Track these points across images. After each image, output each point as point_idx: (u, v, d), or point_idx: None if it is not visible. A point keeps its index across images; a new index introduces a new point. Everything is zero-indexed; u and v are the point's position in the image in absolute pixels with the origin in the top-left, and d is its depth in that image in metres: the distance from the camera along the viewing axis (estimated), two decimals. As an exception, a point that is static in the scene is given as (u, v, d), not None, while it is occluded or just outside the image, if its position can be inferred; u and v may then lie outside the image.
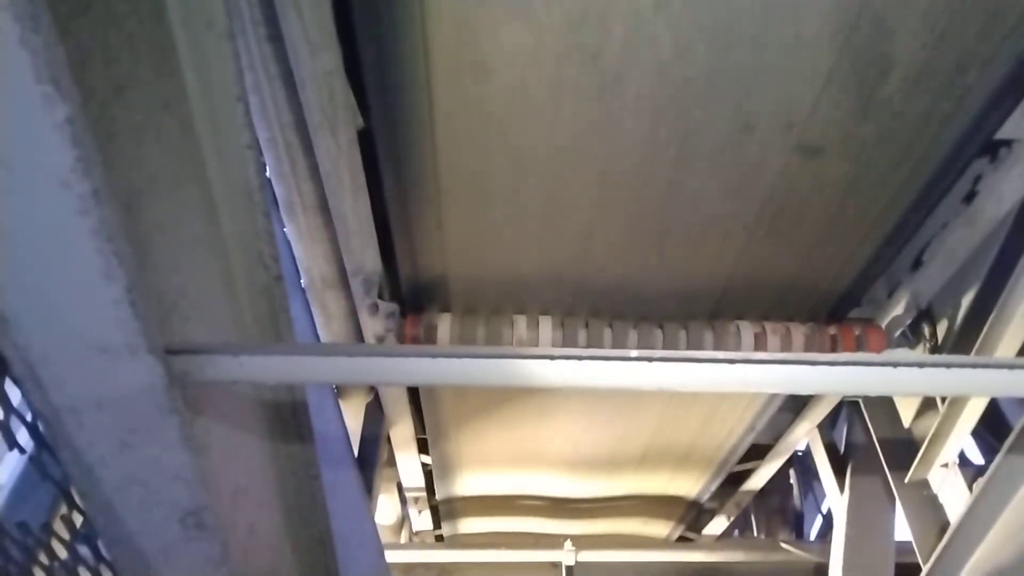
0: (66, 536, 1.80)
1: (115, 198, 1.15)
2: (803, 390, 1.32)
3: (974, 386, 1.34)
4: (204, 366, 1.29)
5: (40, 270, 1.13)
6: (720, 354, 1.29)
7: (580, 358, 1.30)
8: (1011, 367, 1.32)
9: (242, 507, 1.70)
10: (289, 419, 1.78)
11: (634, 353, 1.30)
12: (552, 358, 1.30)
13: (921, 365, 1.30)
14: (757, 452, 4.17)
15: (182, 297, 1.43)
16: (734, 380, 1.30)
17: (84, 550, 1.80)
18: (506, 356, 1.31)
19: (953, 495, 2.87)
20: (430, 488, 4.43)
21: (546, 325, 2.66)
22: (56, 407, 1.27)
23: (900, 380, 1.30)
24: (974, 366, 1.31)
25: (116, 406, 1.28)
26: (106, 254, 1.12)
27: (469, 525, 4.99)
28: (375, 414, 3.45)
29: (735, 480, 4.53)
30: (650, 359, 1.30)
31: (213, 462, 1.52)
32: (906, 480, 3.08)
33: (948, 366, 1.31)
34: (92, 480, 1.38)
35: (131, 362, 1.23)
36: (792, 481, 5.43)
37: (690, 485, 4.49)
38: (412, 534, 4.90)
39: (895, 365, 1.29)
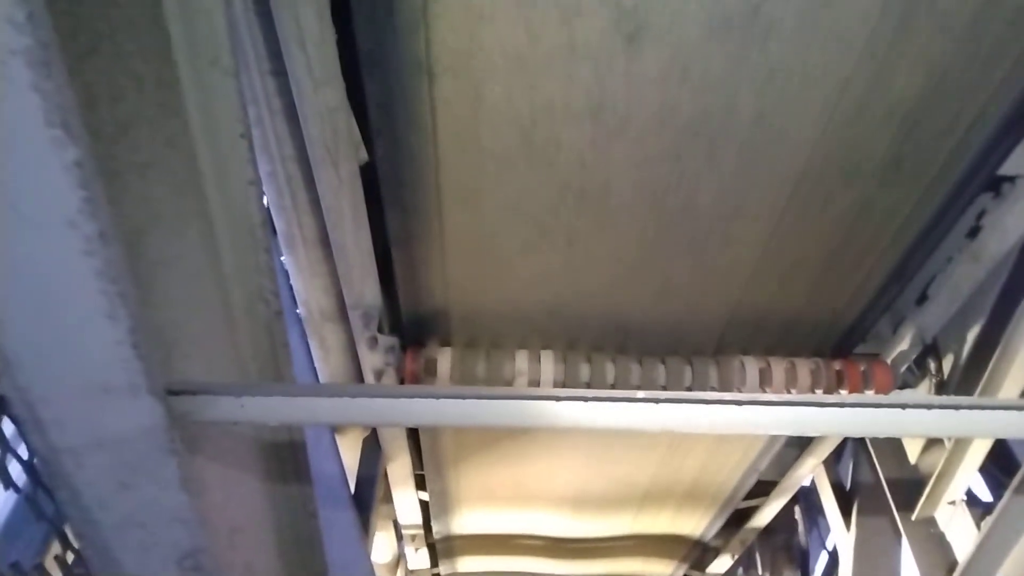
0: (60, 576, 1.77)
1: (119, 238, 1.15)
2: (811, 432, 1.31)
3: (983, 428, 1.32)
4: (205, 407, 1.27)
5: (44, 310, 1.12)
6: (727, 395, 1.28)
7: (586, 399, 1.29)
8: (1020, 408, 1.30)
9: (239, 547, 1.67)
10: (287, 459, 1.76)
11: (640, 394, 1.28)
12: (558, 399, 1.29)
13: (929, 407, 1.28)
14: (762, 489, 4.12)
15: (182, 333, 1.42)
16: (741, 421, 1.28)
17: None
18: (510, 397, 1.30)
19: (960, 533, 2.83)
20: (427, 525, 4.37)
21: (548, 360, 2.64)
22: (55, 447, 1.25)
23: (908, 422, 1.28)
24: (982, 408, 1.30)
25: (116, 447, 1.26)
26: (110, 295, 1.11)
27: (467, 564, 4.91)
28: (372, 450, 3.41)
29: (740, 518, 4.47)
30: (656, 400, 1.28)
31: (210, 502, 1.49)
32: (913, 518, 3.03)
33: (957, 408, 1.29)
34: (90, 521, 1.36)
35: (132, 402, 1.22)
36: (797, 518, 5.36)
37: (694, 524, 4.43)
38: (408, 573, 4.80)
39: (903, 407, 1.28)
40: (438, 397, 1.28)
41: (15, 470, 1.58)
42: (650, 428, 1.29)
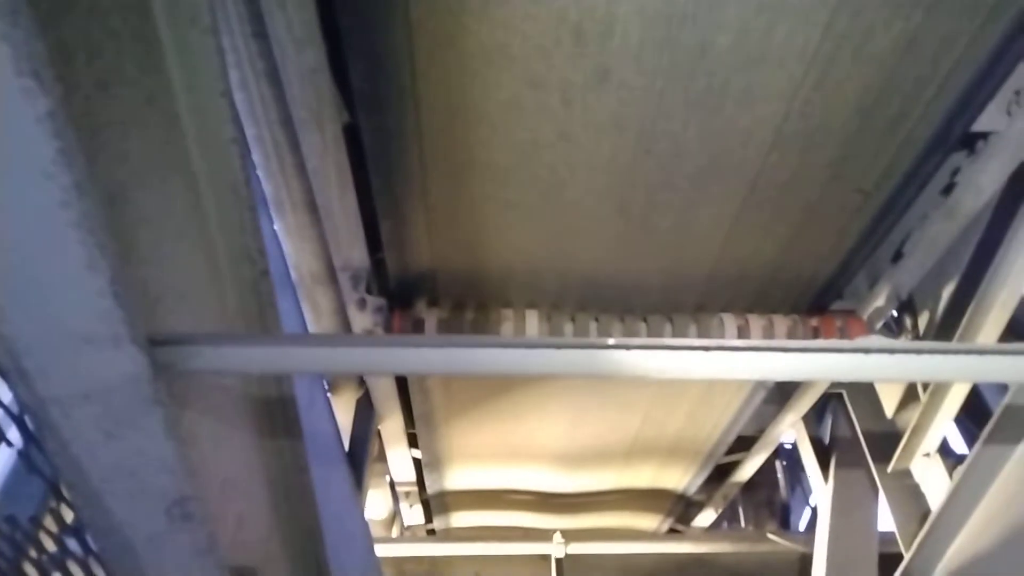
0: (55, 530, 1.81)
1: (98, 191, 1.17)
2: (777, 376, 1.35)
3: (945, 372, 1.37)
4: (188, 357, 1.30)
5: (25, 261, 1.14)
6: (696, 341, 1.32)
7: (559, 346, 1.32)
8: (980, 352, 1.35)
9: (230, 499, 1.72)
10: (277, 413, 1.79)
11: (611, 341, 1.33)
12: (532, 346, 1.32)
13: (892, 351, 1.32)
14: (743, 444, 4.21)
15: (168, 291, 1.45)
16: (709, 367, 1.32)
17: (74, 545, 1.81)
18: (487, 345, 1.34)
19: (934, 484, 2.90)
20: (421, 482, 4.46)
21: (532, 318, 2.68)
22: (41, 398, 1.28)
23: (872, 366, 1.33)
24: (944, 352, 1.34)
25: (101, 397, 1.29)
26: (89, 245, 1.13)
27: (460, 519, 5.01)
28: (365, 409, 3.47)
29: (722, 473, 4.57)
30: (627, 347, 1.32)
31: (200, 454, 1.53)
32: (889, 470, 3.11)
33: (919, 352, 1.33)
34: (79, 471, 1.39)
35: (115, 353, 1.24)
36: (779, 474, 5.47)
37: (677, 478, 4.52)
38: (404, 528, 4.91)
39: (867, 351, 1.32)
40: (416, 346, 1.32)
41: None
42: (622, 374, 1.33)
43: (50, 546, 1.82)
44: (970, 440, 3.36)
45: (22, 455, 1.65)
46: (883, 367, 1.33)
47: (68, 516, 1.80)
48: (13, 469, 2.21)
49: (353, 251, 2.35)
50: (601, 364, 1.34)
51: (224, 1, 1.73)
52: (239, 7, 1.79)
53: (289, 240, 2.41)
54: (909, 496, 3.03)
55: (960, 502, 2.51)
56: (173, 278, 1.46)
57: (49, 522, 1.86)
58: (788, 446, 5.16)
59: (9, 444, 1.63)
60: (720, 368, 1.33)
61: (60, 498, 1.74)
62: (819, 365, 1.32)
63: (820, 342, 1.31)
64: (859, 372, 1.34)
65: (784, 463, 5.39)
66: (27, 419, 1.55)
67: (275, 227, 2.38)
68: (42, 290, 1.17)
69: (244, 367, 1.32)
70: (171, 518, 1.50)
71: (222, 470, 1.67)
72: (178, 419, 1.42)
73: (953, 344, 1.37)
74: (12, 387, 1.31)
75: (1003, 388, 2.89)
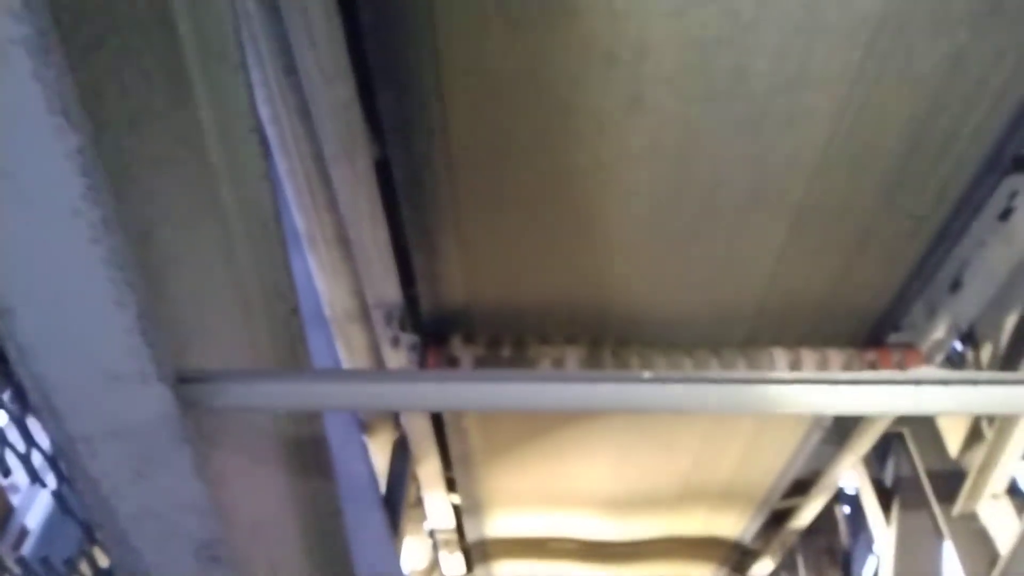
0: (89, 572, 1.80)
1: (127, 228, 1.17)
2: (823, 411, 1.28)
3: (1004, 403, 1.27)
4: (216, 394, 1.28)
5: (54, 298, 1.14)
6: (736, 374, 1.26)
7: (594, 380, 1.27)
8: (1043, 382, 1.26)
9: (261, 543, 1.68)
10: (308, 453, 1.77)
11: (648, 375, 1.27)
12: (567, 381, 1.28)
13: (947, 383, 1.24)
14: (801, 488, 4.03)
15: (198, 329, 1.44)
16: (749, 400, 1.25)
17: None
18: (521, 380, 1.29)
19: (1003, 526, 2.74)
20: (460, 530, 4.36)
21: (571, 354, 2.62)
22: (71, 436, 1.27)
23: (926, 399, 1.24)
24: (1002, 383, 1.25)
25: (129, 435, 1.28)
26: (117, 282, 1.13)
27: (502, 569, 4.88)
28: (401, 452, 3.42)
29: (779, 519, 4.37)
30: (664, 380, 1.26)
31: (230, 495, 1.50)
32: (954, 513, 2.95)
33: (976, 383, 1.25)
34: (107, 511, 1.38)
35: (143, 390, 1.23)
36: (839, 520, 5.24)
37: (731, 524, 4.35)
38: (444, 579, 4.80)
39: (918, 383, 1.24)
40: (448, 380, 1.28)
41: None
42: (658, 409, 1.28)
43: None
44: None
45: (56, 496, 1.65)
46: (937, 400, 1.25)
47: (103, 560, 1.79)
48: (51, 512, 2.23)
49: (386, 286, 2.33)
50: (638, 399, 1.28)
51: (255, 37, 1.76)
52: (270, 43, 1.81)
53: (322, 276, 2.41)
54: (976, 540, 2.87)
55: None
56: (203, 316, 1.45)
57: (85, 567, 1.86)
58: (850, 492, 4.95)
59: (43, 485, 1.63)
60: (763, 402, 1.26)
61: (93, 540, 1.73)
62: (869, 398, 1.24)
63: (869, 374, 1.24)
64: (911, 405, 1.26)
65: (845, 509, 5.17)
66: (60, 461, 1.55)
67: (308, 264, 2.39)
68: (71, 327, 1.17)
69: (273, 403, 1.30)
70: (200, 560, 1.48)
71: (253, 513, 1.64)
72: (207, 458, 1.40)
73: (1011, 374, 1.27)
74: (44, 426, 1.31)
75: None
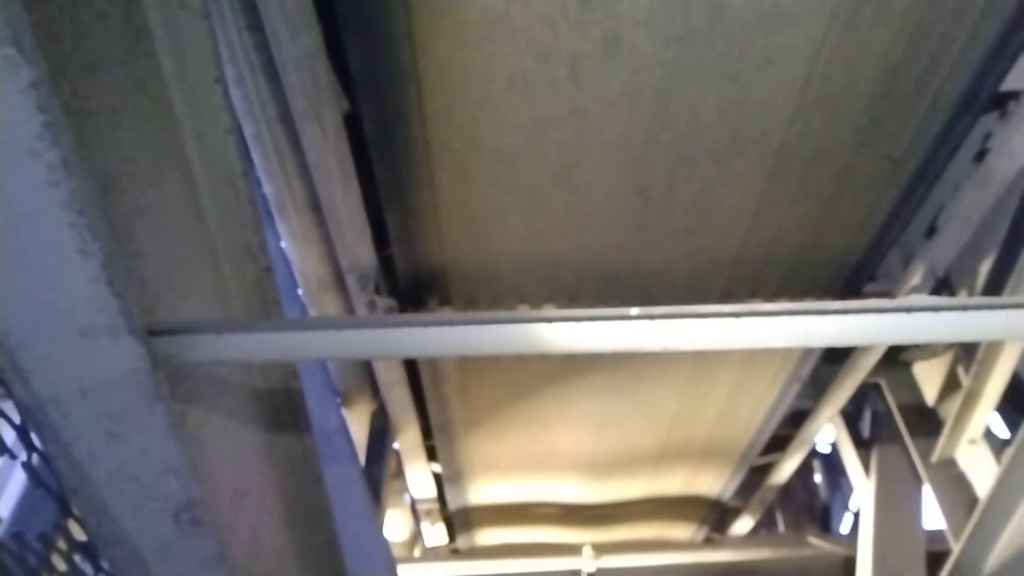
0: (63, 546, 1.75)
1: (89, 174, 1.12)
2: (813, 342, 1.26)
3: (993, 328, 1.27)
4: (189, 347, 1.24)
5: (14, 249, 1.09)
6: (725, 307, 1.24)
7: (579, 319, 1.25)
8: (1028, 307, 1.25)
9: (242, 509, 1.65)
10: (284, 409, 1.73)
11: (635, 311, 1.25)
12: (550, 320, 1.25)
13: (936, 308, 1.23)
14: (779, 444, 4.07)
15: (168, 288, 1.39)
16: (740, 335, 1.24)
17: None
18: (501, 321, 1.26)
19: (981, 471, 2.78)
20: (442, 499, 4.33)
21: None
22: (39, 397, 1.22)
23: (916, 326, 1.24)
24: (992, 307, 1.25)
25: (100, 393, 1.23)
26: (80, 228, 1.08)
27: (485, 537, 4.88)
28: (380, 423, 3.39)
29: (758, 476, 4.42)
30: (651, 316, 1.24)
31: (207, 458, 1.47)
32: (933, 460, 2.99)
33: (965, 308, 1.24)
34: (82, 477, 1.33)
35: (112, 345, 1.18)
36: (817, 475, 5.32)
37: (711, 482, 4.38)
38: (426, 549, 4.79)
39: (908, 310, 1.23)
40: (425, 325, 1.24)
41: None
42: (646, 347, 1.25)
43: (60, 564, 1.76)
44: (1013, 427, 3.22)
45: (27, 467, 1.59)
46: (928, 326, 1.24)
47: (78, 533, 1.74)
48: (26, 487, 2.16)
49: (360, 249, 2.28)
50: (623, 337, 1.26)
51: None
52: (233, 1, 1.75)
53: (293, 245, 2.36)
54: (955, 485, 2.91)
55: (1009, 487, 2.39)
56: (173, 274, 1.40)
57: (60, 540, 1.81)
58: (827, 446, 5.02)
59: (12, 456, 1.57)
60: (752, 336, 1.25)
61: (68, 513, 1.68)
62: (860, 326, 1.23)
63: (859, 302, 1.22)
64: (902, 333, 1.25)
65: (822, 465, 5.25)
66: (31, 430, 1.50)
67: (279, 232, 2.33)
68: (34, 280, 1.11)
69: (247, 355, 1.25)
70: (180, 525, 1.44)
71: (231, 475, 1.61)
72: (182, 417, 1.35)
73: (1000, 299, 1.27)
74: (9, 387, 1.25)
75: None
